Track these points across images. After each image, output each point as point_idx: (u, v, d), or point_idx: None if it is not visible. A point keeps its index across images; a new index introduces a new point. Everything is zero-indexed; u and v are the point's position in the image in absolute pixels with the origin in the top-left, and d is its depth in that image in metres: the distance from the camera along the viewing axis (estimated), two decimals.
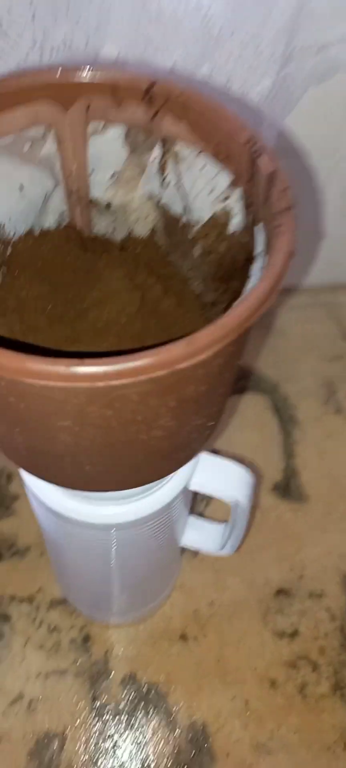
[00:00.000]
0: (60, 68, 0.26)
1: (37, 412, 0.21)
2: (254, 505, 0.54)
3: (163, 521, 0.32)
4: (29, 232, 0.30)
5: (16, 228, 0.29)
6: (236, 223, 0.27)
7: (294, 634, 0.48)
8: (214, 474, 0.33)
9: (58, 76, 0.26)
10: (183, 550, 0.48)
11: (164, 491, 0.31)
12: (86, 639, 0.47)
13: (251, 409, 0.58)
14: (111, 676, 0.45)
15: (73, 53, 0.40)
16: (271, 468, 0.56)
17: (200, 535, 0.41)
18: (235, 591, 0.49)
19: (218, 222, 0.28)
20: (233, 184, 0.26)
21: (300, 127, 0.52)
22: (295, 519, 0.53)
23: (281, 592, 0.49)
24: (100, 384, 0.19)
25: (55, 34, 0.38)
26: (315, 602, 0.49)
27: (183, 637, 0.47)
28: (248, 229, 0.26)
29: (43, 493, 0.31)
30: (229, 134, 0.25)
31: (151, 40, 0.38)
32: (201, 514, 0.50)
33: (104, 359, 0.19)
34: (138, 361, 0.19)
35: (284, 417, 0.59)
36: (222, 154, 0.26)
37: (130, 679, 0.45)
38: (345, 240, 0.63)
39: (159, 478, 0.27)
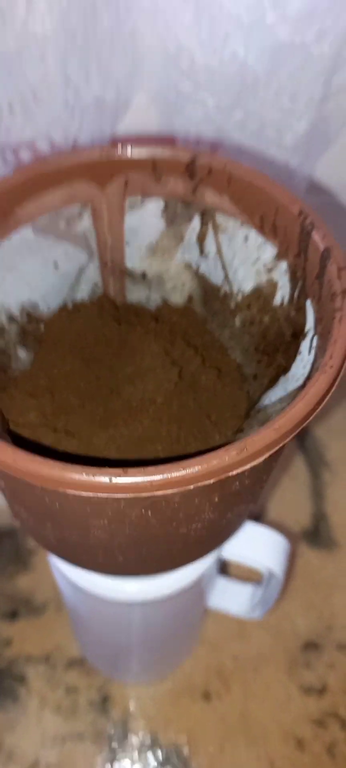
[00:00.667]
0: (99, 149, 0.26)
1: (72, 514, 0.20)
2: None
3: (192, 593, 0.32)
4: (62, 307, 0.29)
5: (49, 304, 0.28)
6: (282, 295, 0.26)
7: (322, 690, 0.47)
8: (247, 541, 0.32)
9: (97, 156, 0.26)
10: None
11: (195, 566, 0.30)
12: (105, 700, 0.46)
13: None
14: (131, 739, 0.44)
15: (105, 109, 0.39)
16: (299, 511, 0.55)
17: (228, 598, 0.40)
18: (260, 643, 0.49)
19: (262, 293, 0.27)
20: (279, 256, 0.26)
21: (335, 166, 0.51)
22: (323, 565, 0.52)
23: (308, 644, 0.49)
24: (145, 494, 0.18)
25: (88, 92, 0.38)
26: (345, 654, 0.48)
27: (206, 696, 0.46)
28: (296, 303, 0.25)
29: (66, 568, 0.30)
30: (276, 207, 0.25)
31: (183, 91, 0.37)
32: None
33: (149, 469, 0.18)
34: (186, 470, 0.18)
35: (314, 458, 0.58)
36: (267, 227, 0.26)
37: (151, 741, 0.45)
38: None
39: (194, 561, 0.27)
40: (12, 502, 0.23)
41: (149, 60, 0.40)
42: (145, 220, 0.28)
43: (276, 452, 0.20)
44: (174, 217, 0.28)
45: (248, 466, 0.18)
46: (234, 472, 0.18)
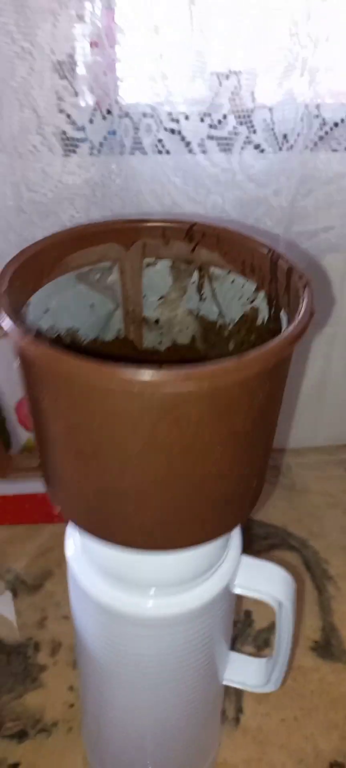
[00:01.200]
0: (126, 219, 0.33)
1: (114, 437, 0.23)
2: (295, 666, 0.51)
3: (208, 624, 0.31)
4: (95, 340, 0.34)
5: (87, 335, 0.33)
6: (262, 317, 0.31)
7: None
8: (256, 575, 0.33)
9: (124, 224, 0.33)
10: (223, 717, 0.45)
11: (208, 585, 0.30)
12: None
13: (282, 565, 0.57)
14: None
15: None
16: (308, 626, 0.53)
17: (243, 671, 0.37)
18: (283, 766, 0.45)
19: (248, 319, 0.32)
20: (258, 288, 0.32)
21: None
22: (340, 680, 0.49)
23: (334, 766, 0.45)
24: (170, 390, 0.21)
25: None
26: None
27: None
28: (273, 317, 0.30)
29: (91, 583, 0.30)
30: (252, 252, 0.31)
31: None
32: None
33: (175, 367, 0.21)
34: (202, 368, 0.21)
35: (316, 573, 0.57)
36: (247, 269, 0.31)
37: None
38: None
39: (210, 538, 0.27)
40: (59, 450, 0.25)
41: (150, 211, 0.49)
42: (157, 276, 0.33)
43: (266, 387, 0.24)
44: (178, 273, 0.33)
45: (244, 374, 0.22)
46: (235, 376, 0.21)
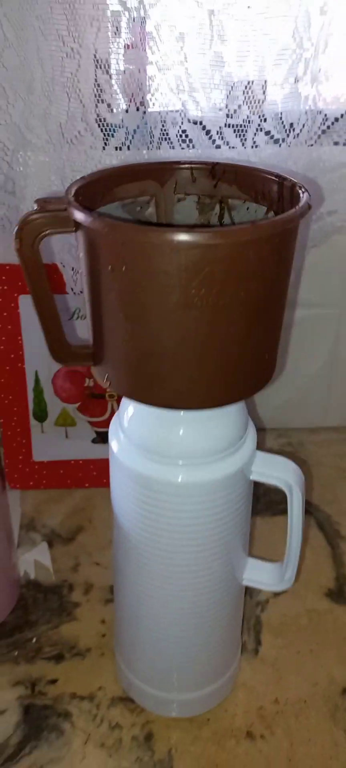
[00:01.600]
0: (161, 161, 0.40)
1: (157, 296, 0.28)
2: (310, 609, 0.54)
3: (229, 501, 0.36)
4: None
5: None
6: None
7: None
8: (270, 464, 0.38)
9: (160, 165, 0.39)
10: (243, 649, 0.48)
11: (228, 462, 0.35)
12: (149, 737, 0.44)
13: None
14: None
15: None
16: (323, 576, 0.56)
17: (260, 573, 0.42)
18: (299, 689, 0.47)
19: None
20: (268, 210, 0.38)
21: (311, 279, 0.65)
22: None
23: None
24: (202, 242, 0.27)
25: None
26: None
27: (250, 735, 0.44)
28: None
29: (132, 461, 0.35)
30: (263, 181, 0.37)
31: None
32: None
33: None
34: (226, 228, 0.28)
35: (329, 532, 0.61)
36: (259, 196, 0.38)
37: None
38: None
39: (231, 400, 0.33)
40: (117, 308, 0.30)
41: None
42: (186, 210, 0.39)
43: (276, 254, 0.29)
44: (203, 206, 0.39)
45: (258, 235, 0.28)
46: (250, 237, 0.28)
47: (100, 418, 0.62)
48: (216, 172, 0.38)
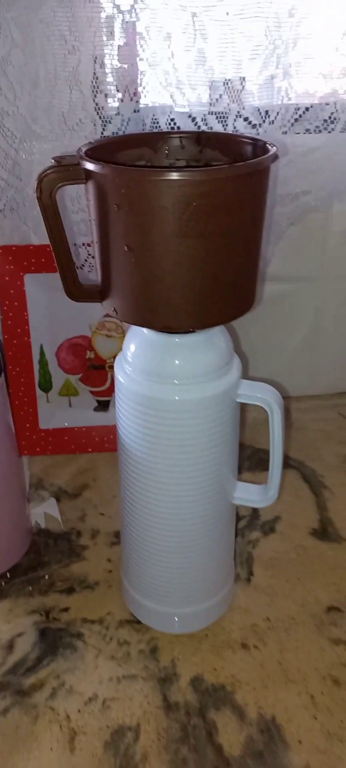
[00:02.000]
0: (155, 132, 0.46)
1: (157, 227, 0.34)
2: (297, 545, 0.59)
3: (219, 419, 0.41)
4: None
5: None
6: None
7: None
8: (254, 388, 0.43)
9: (154, 135, 0.46)
10: (236, 578, 0.53)
11: (217, 383, 0.41)
12: (154, 650, 0.48)
13: (283, 479, 0.66)
14: (179, 679, 0.47)
15: None
16: (308, 519, 0.61)
17: (248, 492, 0.47)
18: (288, 609, 0.52)
19: None
20: None
21: (290, 255, 0.71)
22: (335, 555, 0.57)
23: (331, 609, 0.52)
24: (192, 180, 0.33)
25: None
26: None
27: (244, 646, 0.49)
28: None
29: (136, 383, 0.41)
30: (241, 145, 0.44)
31: None
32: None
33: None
34: (210, 168, 0.35)
35: (313, 483, 0.66)
36: (238, 157, 0.44)
37: (197, 680, 0.46)
38: (340, 354, 0.79)
39: (224, 320, 0.40)
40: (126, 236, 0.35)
41: None
42: None
43: (249, 190, 0.36)
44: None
45: (235, 173, 0.35)
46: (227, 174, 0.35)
47: (101, 387, 0.68)
48: (201, 139, 0.45)
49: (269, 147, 0.39)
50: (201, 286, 0.36)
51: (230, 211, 0.35)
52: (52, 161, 0.38)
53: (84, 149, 0.38)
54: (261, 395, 0.43)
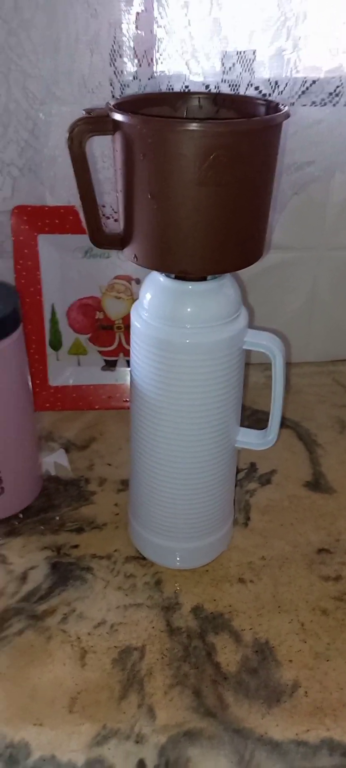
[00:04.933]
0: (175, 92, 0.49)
1: (177, 174, 0.37)
2: (290, 495, 0.63)
3: (226, 363, 0.44)
4: None
5: None
6: None
7: (338, 578, 0.53)
8: (259, 335, 0.46)
9: (174, 94, 0.50)
10: (234, 523, 0.56)
11: (227, 329, 0.44)
12: (158, 582, 0.52)
13: (280, 438, 0.70)
14: (182, 607, 0.50)
15: None
16: (301, 473, 0.65)
17: (249, 437, 0.50)
18: (282, 549, 0.55)
19: None
20: None
21: (292, 224, 0.74)
22: (326, 504, 0.61)
23: (322, 550, 0.56)
24: (211, 131, 0.37)
25: None
26: None
27: (241, 580, 0.53)
28: None
29: (151, 327, 0.44)
30: (254, 105, 0.47)
31: None
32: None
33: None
34: (228, 121, 0.39)
35: (308, 441, 0.70)
36: (251, 117, 0.47)
37: (198, 609, 0.50)
38: (336, 323, 0.82)
39: (238, 267, 0.43)
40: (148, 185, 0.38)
41: None
42: None
43: (261, 144, 0.39)
44: None
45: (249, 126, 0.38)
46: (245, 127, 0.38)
47: (109, 347, 0.71)
48: (218, 100, 0.48)
49: (281, 107, 0.42)
50: (216, 233, 0.40)
51: (245, 163, 0.38)
52: (83, 112, 0.41)
53: (112, 103, 0.42)
54: (265, 342, 0.46)
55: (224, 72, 0.59)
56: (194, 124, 0.36)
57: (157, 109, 0.48)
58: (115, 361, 0.71)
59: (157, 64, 0.58)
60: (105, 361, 0.72)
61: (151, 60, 0.57)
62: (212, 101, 0.49)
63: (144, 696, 0.43)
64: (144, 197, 0.40)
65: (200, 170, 0.37)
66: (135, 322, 0.46)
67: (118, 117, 0.39)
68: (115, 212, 0.63)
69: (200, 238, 0.40)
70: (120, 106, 0.41)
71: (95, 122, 0.41)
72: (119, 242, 0.44)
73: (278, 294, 0.77)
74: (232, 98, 0.49)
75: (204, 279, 0.44)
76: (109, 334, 0.70)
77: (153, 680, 0.44)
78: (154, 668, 0.45)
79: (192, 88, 0.60)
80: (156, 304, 0.45)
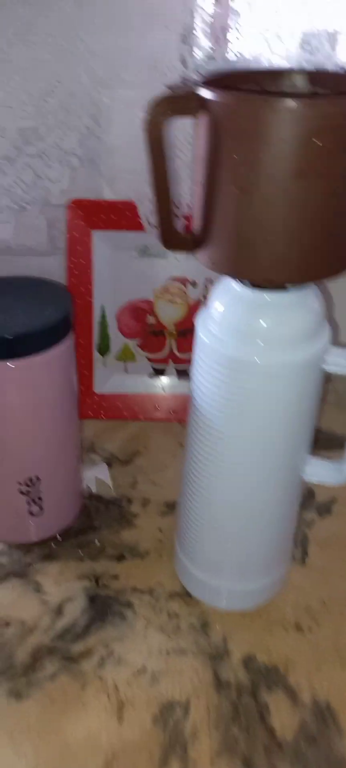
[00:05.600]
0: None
1: (269, 164, 0.32)
2: None
3: (300, 387, 0.39)
4: None
5: None
6: None
7: None
8: (341, 356, 0.40)
9: (261, 70, 0.43)
10: (292, 559, 0.50)
11: (305, 348, 0.38)
12: (205, 625, 0.47)
13: None
14: (231, 656, 0.45)
15: None
16: None
17: (321, 469, 0.44)
18: (345, 591, 0.50)
19: None
20: None
21: None
22: None
23: None
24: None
25: None
26: None
27: (298, 627, 0.47)
28: None
29: (219, 342, 0.39)
30: (338, 79, 0.41)
31: None
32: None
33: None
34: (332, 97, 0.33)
35: None
36: (335, 90, 0.40)
37: (250, 659, 0.45)
38: None
39: (331, 275, 0.36)
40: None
41: None
42: None
43: None
44: None
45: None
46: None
47: (159, 354, 0.66)
48: (316, 78, 0.41)
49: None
50: (313, 234, 0.34)
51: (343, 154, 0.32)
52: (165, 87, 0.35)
53: (200, 80, 0.36)
54: None
55: (309, 52, 0.52)
56: (299, 100, 0.30)
57: (245, 87, 0.41)
58: (164, 369, 0.66)
59: (232, 43, 0.52)
60: (153, 368, 0.66)
61: (227, 40, 0.51)
62: (308, 79, 0.42)
63: (187, 763, 0.38)
64: (229, 192, 0.34)
65: (299, 159, 0.31)
66: (202, 336, 0.40)
67: (206, 94, 0.33)
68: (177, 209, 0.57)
69: (293, 240, 0.34)
70: (206, 85, 0.35)
71: (178, 101, 0.35)
72: (192, 243, 0.38)
73: None
74: (330, 75, 0.42)
75: (284, 288, 0.38)
76: (159, 340, 0.65)
77: (198, 743, 0.39)
78: (199, 729, 0.40)
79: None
80: (228, 317, 0.39)
